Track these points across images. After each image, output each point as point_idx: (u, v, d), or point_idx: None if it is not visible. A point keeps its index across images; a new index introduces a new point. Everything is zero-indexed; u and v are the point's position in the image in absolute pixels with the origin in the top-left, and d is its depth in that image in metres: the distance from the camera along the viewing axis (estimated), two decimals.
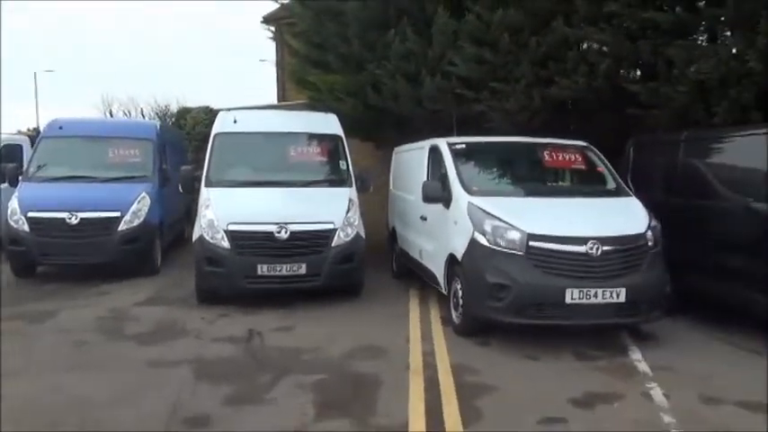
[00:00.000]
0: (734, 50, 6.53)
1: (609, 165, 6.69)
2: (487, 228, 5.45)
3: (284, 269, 6.86)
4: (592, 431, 3.81)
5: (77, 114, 24.22)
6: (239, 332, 6.06)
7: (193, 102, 22.15)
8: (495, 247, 5.37)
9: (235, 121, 8.15)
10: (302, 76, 10.96)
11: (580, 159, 6.77)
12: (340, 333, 5.97)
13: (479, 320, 5.59)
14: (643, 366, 5.01)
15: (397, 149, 9.31)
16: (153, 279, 8.71)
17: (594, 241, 5.22)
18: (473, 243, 5.55)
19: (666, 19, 6.99)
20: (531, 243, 5.25)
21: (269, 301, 6.95)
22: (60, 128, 9.69)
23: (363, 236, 7.50)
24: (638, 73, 7.88)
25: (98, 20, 56.62)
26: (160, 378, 4.77)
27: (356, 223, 7.34)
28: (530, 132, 7.89)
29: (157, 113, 22.41)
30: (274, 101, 17.15)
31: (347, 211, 7.28)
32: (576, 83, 7.81)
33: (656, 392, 4.42)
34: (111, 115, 23.17)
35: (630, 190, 6.80)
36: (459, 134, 8.44)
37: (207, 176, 7.61)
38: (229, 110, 8.95)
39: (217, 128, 8.16)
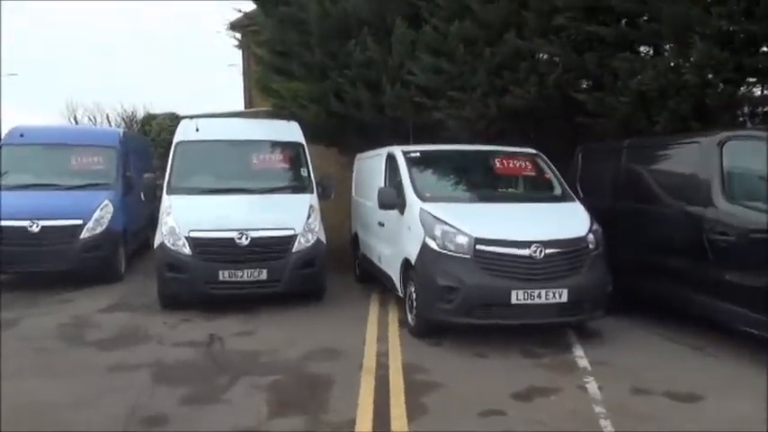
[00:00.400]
0: (671, 64, 6.93)
1: (556, 171, 7.02)
2: (437, 233, 5.72)
3: (245, 275, 7.03)
4: (527, 421, 4.08)
5: (42, 121, 24.03)
6: (200, 337, 6.21)
7: (160, 108, 22.09)
8: (444, 251, 5.64)
9: (197, 130, 8.30)
10: (266, 84, 11.12)
11: (529, 166, 7.09)
12: (299, 336, 6.16)
13: (431, 322, 5.84)
14: (583, 362, 5.32)
15: (358, 156, 9.53)
16: (116, 286, 8.77)
17: (538, 244, 5.52)
18: (424, 247, 5.81)
19: (610, 33, 7.36)
20: (477, 246, 5.53)
21: (232, 306, 7.10)
22: (21, 135, 9.71)
23: (324, 241, 7.70)
24: (589, 83, 8.23)
25: (64, 22, 55.75)
26: (120, 382, 4.90)
27: (317, 229, 7.54)
28: (487, 140, 8.23)
29: (123, 119, 22.33)
30: (242, 107, 17.23)
31: (308, 218, 7.48)
32: (528, 92, 8.15)
33: (592, 386, 4.72)
34: (76, 121, 23.01)
35: (578, 195, 7.16)
36: (417, 142, 8.71)
37: (168, 184, 7.75)
38: (192, 117, 9.10)
39: (179, 136, 8.30)
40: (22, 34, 49.14)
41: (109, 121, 23.47)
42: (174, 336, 6.29)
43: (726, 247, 5.32)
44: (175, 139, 8.28)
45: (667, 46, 7.22)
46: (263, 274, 7.08)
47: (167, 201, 7.50)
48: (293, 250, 7.23)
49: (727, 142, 5.49)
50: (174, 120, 15.49)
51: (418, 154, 7.02)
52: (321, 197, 8.23)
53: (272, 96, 11.16)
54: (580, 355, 5.49)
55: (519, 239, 5.54)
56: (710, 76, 6.75)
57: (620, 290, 6.78)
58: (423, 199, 6.23)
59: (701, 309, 5.67)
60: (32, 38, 50.74)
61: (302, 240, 7.31)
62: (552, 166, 7.09)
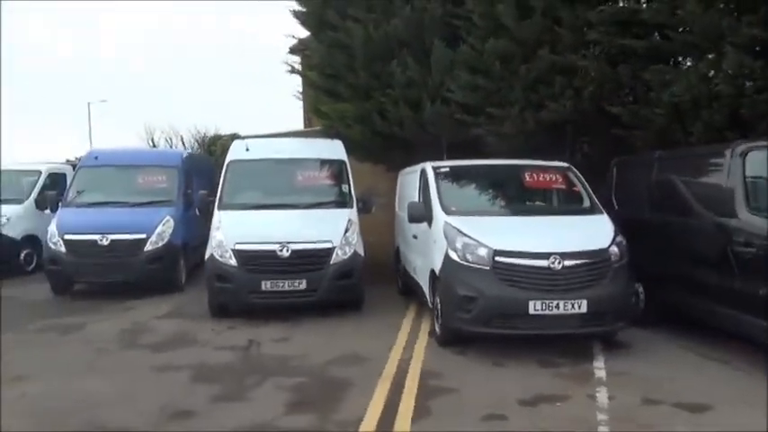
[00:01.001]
0: (704, 74, 6.86)
1: (586, 184, 7.07)
2: (458, 245, 5.93)
3: (286, 285, 7.47)
4: (526, 426, 4.22)
5: (125, 143, 25.87)
6: (241, 342, 6.67)
7: (230, 129, 23.35)
8: (464, 263, 5.85)
9: (247, 149, 8.90)
10: (317, 106, 11.67)
11: (560, 180, 7.18)
12: (331, 343, 6.51)
13: (453, 330, 6.04)
14: (601, 372, 5.37)
15: (401, 172, 9.86)
16: (176, 296, 9.43)
17: (556, 256, 5.63)
18: (447, 259, 6.04)
19: (642, 45, 7.38)
20: (497, 258, 5.71)
21: (276, 315, 7.52)
22: (96, 158, 10.66)
23: (362, 254, 8.05)
24: (624, 96, 8.22)
25: (147, 51, 59.98)
26: (162, 380, 5.40)
27: (354, 242, 7.90)
28: (526, 155, 8.34)
29: (196, 140, 23.67)
30: (301, 127, 18.00)
31: (345, 231, 7.85)
32: (563, 106, 8.24)
33: (602, 395, 4.79)
34: (154, 143, 24.50)
35: (612, 207, 7.19)
36: (454, 157, 8.94)
37: (219, 200, 8.35)
38: (244, 138, 9.72)
39: (230, 155, 8.92)
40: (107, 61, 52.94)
41: (183, 142, 24.88)
42: (217, 341, 6.78)
43: (749, 258, 5.25)
44: (227, 159, 8.91)
45: (700, 57, 7.13)
46: (303, 284, 7.49)
47: (217, 216, 8.09)
48: (331, 262, 7.61)
49: (749, 153, 5.43)
50: (236, 138, 16.40)
51: (448, 169, 7.26)
52: (362, 211, 8.62)
53: (321, 117, 11.69)
54: (599, 366, 5.54)
55: (537, 251, 5.68)
56: (747, 84, 6.67)
57: (653, 302, 6.79)
58: (448, 212, 6.47)
59: (726, 321, 5.60)
60: (121, 65, 54.55)
61: (339, 253, 7.67)
62: (582, 179, 7.14)
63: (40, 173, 12.34)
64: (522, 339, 5.93)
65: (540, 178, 7.15)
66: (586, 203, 6.86)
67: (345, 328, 7.21)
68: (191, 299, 9.16)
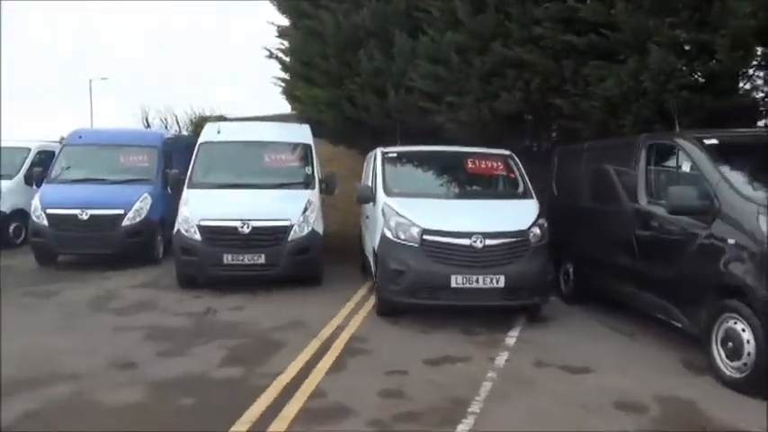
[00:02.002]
0: (632, 71, 7.36)
1: (522, 171, 7.61)
2: (392, 223, 6.52)
3: (246, 259, 8.06)
4: (421, 380, 4.82)
5: (125, 120, 26.33)
6: (200, 309, 7.29)
7: (227, 110, 23.78)
8: (397, 240, 6.43)
9: (218, 132, 9.47)
10: (293, 91, 12.20)
11: (500, 166, 7.73)
12: (280, 311, 7.10)
13: (386, 302, 6.65)
14: (511, 340, 5.97)
15: (367, 156, 10.40)
16: (152, 268, 10.00)
17: (478, 236, 6.20)
18: (383, 236, 6.63)
19: (582, 42, 7.87)
20: (424, 236, 6.29)
21: (240, 287, 8.07)
22: (80, 137, 11.24)
23: (321, 232, 8.63)
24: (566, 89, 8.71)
25: (150, 30, 60.55)
26: (118, 339, 6.02)
27: (312, 221, 8.46)
28: (488, 141, 8.87)
29: (192, 121, 24.11)
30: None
31: (304, 210, 8.41)
32: (514, 97, 8.77)
33: (501, 358, 5.38)
34: (148, 122, 24.97)
35: (554, 194, 7.79)
36: (417, 143, 9.48)
37: (189, 179, 8.93)
38: (231, 120, 10.26)
39: (202, 137, 9.49)
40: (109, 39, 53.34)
41: (178, 123, 25.25)
42: (179, 308, 7.39)
43: (647, 242, 5.81)
44: (199, 141, 9.48)
45: (630, 54, 7.61)
46: (262, 259, 8.08)
47: (186, 194, 8.67)
48: (289, 239, 8.18)
49: (649, 144, 5.97)
50: (222, 120, 16.93)
51: (395, 154, 7.82)
52: (325, 192, 9.20)
53: (296, 102, 12.23)
54: (513, 335, 6.13)
55: (461, 230, 6.25)
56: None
57: (581, 281, 7.37)
58: (388, 194, 7.04)
59: (632, 299, 6.17)
60: (123, 43, 54.90)
61: (297, 230, 8.24)
62: (520, 166, 7.69)
63: (30, 150, 12.92)
64: (456, 311, 6.52)
65: (482, 165, 7.70)
66: (520, 189, 7.42)
67: (298, 300, 7.80)
68: (165, 271, 9.71)
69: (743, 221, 4.51)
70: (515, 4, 8.45)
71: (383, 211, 6.78)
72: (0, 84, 43.63)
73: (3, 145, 13.53)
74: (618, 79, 7.37)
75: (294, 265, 8.23)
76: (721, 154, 5.11)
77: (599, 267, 6.83)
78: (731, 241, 4.59)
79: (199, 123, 17.18)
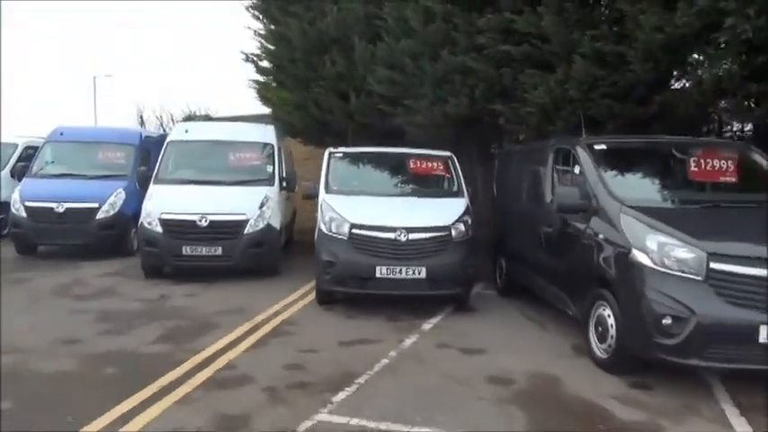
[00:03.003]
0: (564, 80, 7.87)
1: (458, 171, 8.15)
2: (327, 218, 7.07)
3: (204, 250, 8.63)
4: (329, 359, 5.37)
5: (128, 118, 27.08)
6: (154, 295, 7.86)
7: (222, 110, 24.45)
8: (330, 233, 6.98)
9: (186, 131, 10.07)
10: (265, 93, 12.77)
11: (440, 167, 8.26)
12: (228, 298, 7.67)
13: (322, 291, 7.20)
14: (428, 326, 6.50)
15: None
16: (125, 259, 10.55)
17: (402, 230, 6.74)
18: (319, 230, 7.19)
19: (518, 52, 8.39)
20: (353, 230, 6.84)
21: (200, 278, 8.58)
22: (61, 134, 11.86)
23: (277, 227, 9.20)
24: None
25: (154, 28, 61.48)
26: (71, 320, 6.60)
27: (268, 216, 9.02)
28: (445, 143, 9.40)
29: (186, 118, 24.78)
30: None
31: (261, 206, 8.99)
32: (461, 102, 9.30)
33: (409, 341, 5.92)
34: (143, 121, 25.69)
35: (494, 194, 8.34)
36: (372, 144, 10.02)
37: (155, 175, 9.52)
38: (205, 119, 10.83)
39: (171, 136, 10.10)
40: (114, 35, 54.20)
41: (173, 121, 25.94)
42: (136, 294, 7.96)
43: (549, 238, 6.34)
44: (167, 139, 10.07)
45: (557, 64, 8.12)
46: (219, 251, 8.65)
47: (151, 189, 9.27)
48: (244, 232, 8.75)
49: (556, 148, 6.50)
50: (208, 120, 17.55)
51: (341, 154, 8.37)
52: (285, 189, 9.77)
53: (269, 104, 12.80)
54: (432, 322, 6.66)
55: (387, 225, 6.79)
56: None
57: (509, 276, 7.90)
58: (328, 191, 7.60)
59: (542, 291, 6.70)
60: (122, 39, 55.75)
61: (253, 224, 8.82)
62: (457, 167, 8.22)
63: (17, 146, 13.55)
64: (392, 301, 7.05)
65: (422, 165, 8.23)
66: (454, 188, 7.96)
67: (249, 288, 8.35)
68: (136, 262, 10.27)
69: (611, 218, 5.04)
70: (461, 14, 8.98)
71: (321, 206, 7.34)
72: (0, 84, 44.45)
73: None
74: (547, 87, 7.89)
75: (249, 257, 8.80)
76: (606, 158, 5.64)
77: (522, 262, 7.35)
78: (601, 236, 5.12)
79: (183, 122, 17.87)
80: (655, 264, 4.48)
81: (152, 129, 23.14)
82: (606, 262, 5.01)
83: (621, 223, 4.86)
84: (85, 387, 4.63)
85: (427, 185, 8.13)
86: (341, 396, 4.45)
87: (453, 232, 6.98)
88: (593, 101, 7.63)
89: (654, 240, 4.54)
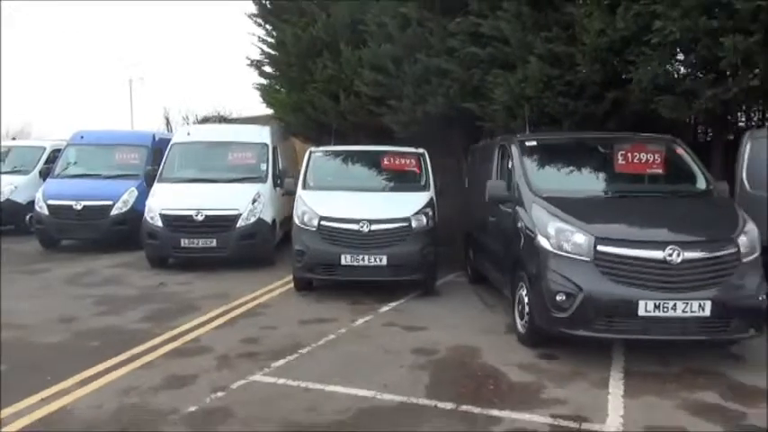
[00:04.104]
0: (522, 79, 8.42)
1: (428, 166, 8.77)
2: (299, 212, 7.81)
3: (200, 243, 9.47)
4: (284, 333, 6.09)
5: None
6: (154, 283, 8.74)
7: (243, 111, 25.58)
8: (302, 226, 7.71)
9: (188, 134, 10.95)
10: (267, 96, 13.60)
11: (413, 163, 8.89)
12: (218, 285, 8.46)
13: (296, 278, 7.95)
14: (386, 308, 7.16)
15: None
16: (137, 252, 11.45)
17: (365, 222, 7.42)
18: (294, 223, 7.93)
19: (484, 53, 8.95)
20: (321, 222, 7.55)
21: (202, 267, 9.42)
22: (81, 137, 12.91)
23: (269, 221, 9.99)
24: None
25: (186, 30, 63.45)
26: (73, 303, 7.50)
27: (259, 211, 9.80)
28: (429, 139, 10.04)
29: (203, 119, 25.89)
30: None
31: (253, 202, 9.78)
32: (438, 101, 9.91)
33: (362, 321, 6.60)
34: (168, 122, 26.91)
35: (465, 188, 8.93)
36: (354, 143, 10.73)
37: (159, 174, 10.43)
38: (219, 120, 11.67)
39: (174, 138, 10.98)
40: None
41: (197, 120, 27.08)
42: (137, 282, 8.85)
43: (491, 226, 6.94)
44: (171, 141, 10.96)
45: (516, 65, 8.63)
46: (214, 243, 9.48)
47: (155, 187, 10.17)
48: (237, 226, 9.56)
49: (500, 144, 7.07)
50: (222, 121, 18.53)
51: (320, 153, 9.09)
52: (278, 186, 10.56)
53: (270, 106, 13.63)
54: (391, 305, 7.32)
55: (351, 217, 7.47)
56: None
57: (474, 264, 8.50)
58: (305, 187, 8.33)
59: (491, 276, 7.30)
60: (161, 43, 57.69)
61: (245, 218, 9.62)
62: (427, 163, 8.85)
63: (45, 148, 14.73)
64: (366, 287, 7.71)
65: (395, 161, 8.87)
66: (422, 182, 8.59)
67: (240, 277, 9.11)
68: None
69: (526, 208, 5.62)
70: (434, 19, 9.59)
71: (297, 201, 8.07)
72: (0, 84, 46.31)
73: (22, 144, 15.45)
74: (508, 86, 8.45)
75: (242, 249, 9.61)
76: (533, 153, 6.21)
77: (480, 250, 7.95)
78: (520, 224, 5.71)
79: (201, 123, 18.89)
80: (553, 248, 5.07)
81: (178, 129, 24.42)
82: (522, 247, 5.60)
83: (532, 212, 5.45)
84: (69, 355, 5.47)
85: (398, 180, 8.76)
86: (280, 362, 5.17)
87: (414, 223, 7.61)
88: (548, 99, 8.16)
89: (553, 227, 5.12)
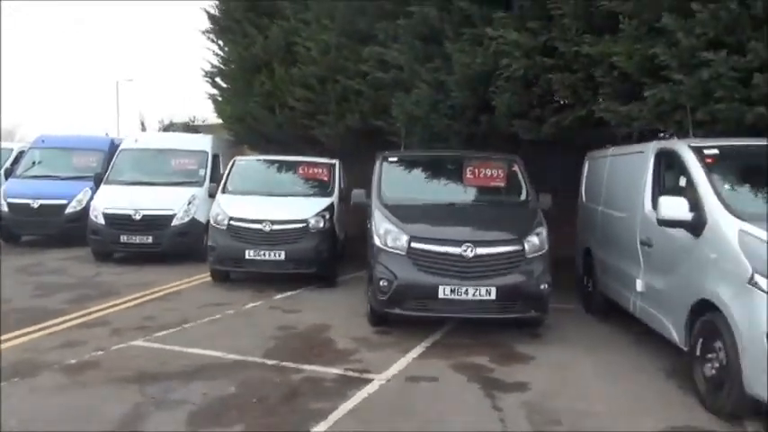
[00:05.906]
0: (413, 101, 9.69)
1: (336, 175, 10.05)
2: (213, 214, 9.07)
3: (137, 239, 10.69)
4: (208, 322, 7.28)
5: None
6: (91, 273, 9.93)
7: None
8: (214, 225, 8.96)
9: (136, 140, 12.18)
10: (216, 106, 14.87)
11: (324, 171, 10.16)
12: (146, 277, 9.63)
13: (212, 271, 9.18)
14: (280, 296, 8.37)
15: None
16: (87, 248, 12.63)
17: (268, 222, 8.66)
18: (209, 223, 9.18)
19: (388, 77, 10.22)
20: (230, 222, 8.79)
21: (142, 261, 10.64)
22: (43, 141, 14.11)
23: (202, 221, 11.18)
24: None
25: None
26: (16, 288, 8.67)
27: (193, 212, 11.02)
28: (356, 151, 11.29)
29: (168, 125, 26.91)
30: None
31: (188, 203, 11.01)
32: (355, 117, 11.19)
33: (252, 304, 7.82)
34: (144, 126, 28.04)
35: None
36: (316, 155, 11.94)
37: (107, 178, 11.65)
38: (185, 127, 12.79)
39: (122, 145, 12.21)
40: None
41: (172, 125, 28.16)
42: (77, 273, 10.02)
43: None
44: (119, 147, 12.19)
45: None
46: (150, 239, 10.70)
47: (100, 189, 11.40)
48: (171, 225, 10.78)
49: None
50: (188, 127, 19.72)
51: (244, 162, 10.35)
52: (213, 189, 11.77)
53: (218, 116, 14.89)
54: (286, 294, 8.50)
55: (255, 218, 8.71)
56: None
57: None
58: (224, 191, 9.59)
59: None
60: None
61: (180, 218, 10.85)
62: (337, 172, 10.12)
63: (12, 150, 15.89)
64: (277, 279, 8.93)
65: (309, 170, 10.15)
66: (329, 189, 9.85)
67: (171, 270, 10.23)
68: None
69: (373, 213, 6.89)
70: (349, 45, 10.88)
71: (213, 204, 9.33)
72: (0, 85, 47.35)
73: None
74: (403, 108, 9.72)
75: (176, 245, 10.83)
76: (398, 166, 7.51)
77: None
78: (369, 226, 6.96)
79: (166, 129, 20.03)
80: (382, 245, 6.33)
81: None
82: (369, 246, 6.86)
83: (375, 216, 6.71)
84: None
85: (307, 187, 10.02)
86: (161, 333, 6.39)
87: (311, 223, 8.86)
88: (435, 119, 9.44)
89: (383, 228, 6.39)
